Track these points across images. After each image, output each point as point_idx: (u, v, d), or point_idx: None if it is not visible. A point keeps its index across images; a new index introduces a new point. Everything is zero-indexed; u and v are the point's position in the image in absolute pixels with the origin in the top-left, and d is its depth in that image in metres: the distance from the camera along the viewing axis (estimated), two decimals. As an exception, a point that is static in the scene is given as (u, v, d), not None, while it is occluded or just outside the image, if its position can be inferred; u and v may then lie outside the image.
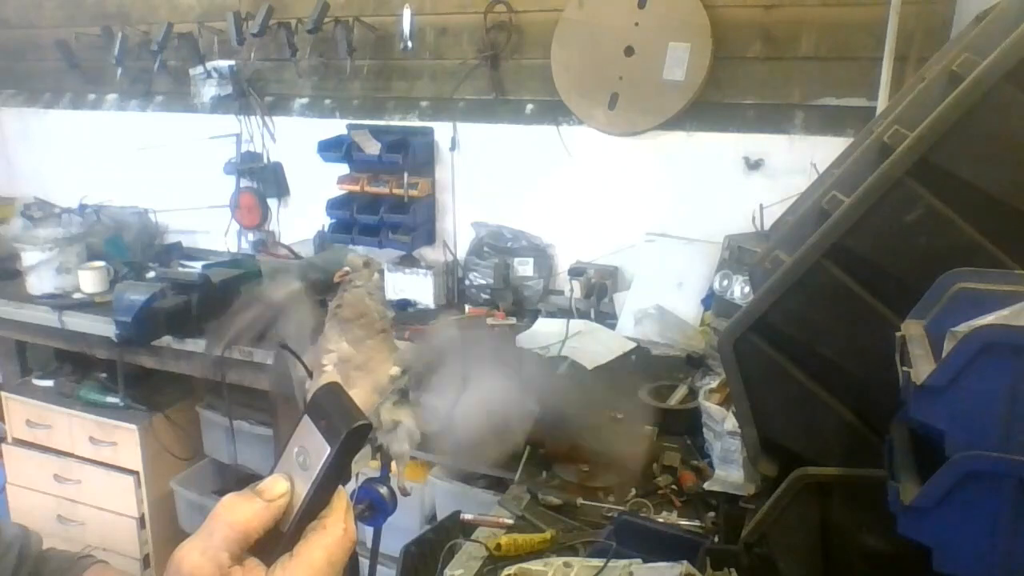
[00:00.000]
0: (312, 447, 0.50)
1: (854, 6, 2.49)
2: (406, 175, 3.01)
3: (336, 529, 0.52)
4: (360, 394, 1.15)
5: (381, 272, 1.23)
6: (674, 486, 1.76)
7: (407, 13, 2.93)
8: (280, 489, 0.51)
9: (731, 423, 1.72)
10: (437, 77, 3.12)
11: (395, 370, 1.17)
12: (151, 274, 2.99)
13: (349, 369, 1.15)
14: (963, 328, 0.77)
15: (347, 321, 1.16)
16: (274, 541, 0.51)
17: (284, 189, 3.45)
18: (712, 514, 1.63)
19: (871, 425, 1.11)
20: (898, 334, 0.89)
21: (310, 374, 1.18)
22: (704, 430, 1.86)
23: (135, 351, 2.75)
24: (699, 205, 2.73)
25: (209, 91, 3.36)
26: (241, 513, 0.50)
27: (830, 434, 1.14)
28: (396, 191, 3.03)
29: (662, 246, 2.77)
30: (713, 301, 2.50)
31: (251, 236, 3.51)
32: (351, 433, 0.49)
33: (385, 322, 1.21)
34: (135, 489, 2.95)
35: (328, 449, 0.49)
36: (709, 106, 2.69)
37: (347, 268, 1.18)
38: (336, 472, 0.50)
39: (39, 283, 3.01)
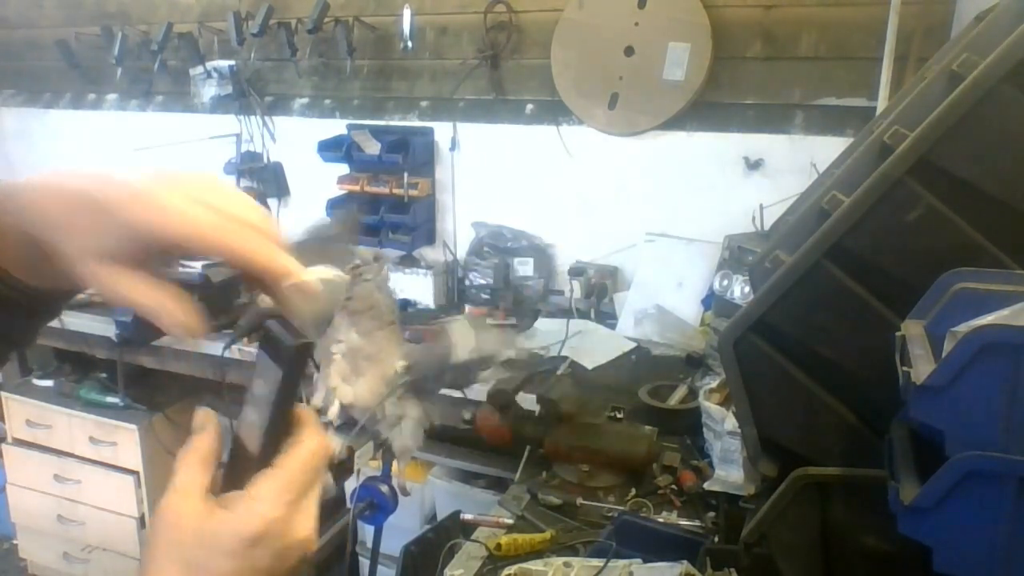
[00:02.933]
0: (267, 376, 0.54)
1: (854, 6, 2.49)
2: (406, 175, 3.01)
3: (311, 442, 0.55)
4: (369, 383, 1.16)
5: (389, 267, 1.25)
6: (674, 486, 1.76)
7: (407, 13, 2.93)
8: (200, 415, 0.57)
9: (731, 423, 1.72)
10: (437, 77, 3.12)
11: (402, 363, 1.18)
12: (151, 274, 2.98)
13: (358, 359, 1.17)
14: (963, 328, 0.77)
15: (357, 313, 1.18)
16: (250, 470, 0.54)
17: (284, 189, 3.45)
18: (712, 514, 1.63)
19: (871, 425, 1.11)
20: (898, 334, 0.89)
21: (317, 367, 1.19)
22: (704, 430, 1.86)
23: (135, 351, 2.76)
24: (699, 205, 2.73)
25: (209, 91, 3.36)
26: (191, 452, 0.55)
27: (830, 434, 1.14)
28: (396, 191, 3.03)
29: (662, 246, 2.77)
30: (713, 301, 2.50)
31: (251, 236, 3.51)
32: (297, 353, 0.52)
33: (393, 315, 1.22)
34: (135, 489, 2.94)
35: (280, 372, 0.52)
36: (709, 106, 2.69)
37: (358, 261, 1.19)
38: (290, 392, 0.54)
39: (39, 283, 3.00)
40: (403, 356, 1.18)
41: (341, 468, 1.22)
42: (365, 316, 1.17)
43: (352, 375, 1.16)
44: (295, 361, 0.52)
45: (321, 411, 1.18)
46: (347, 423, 1.17)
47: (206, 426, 0.56)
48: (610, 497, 1.74)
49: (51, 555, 3.21)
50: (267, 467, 0.53)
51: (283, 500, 0.52)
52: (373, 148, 2.99)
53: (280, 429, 0.55)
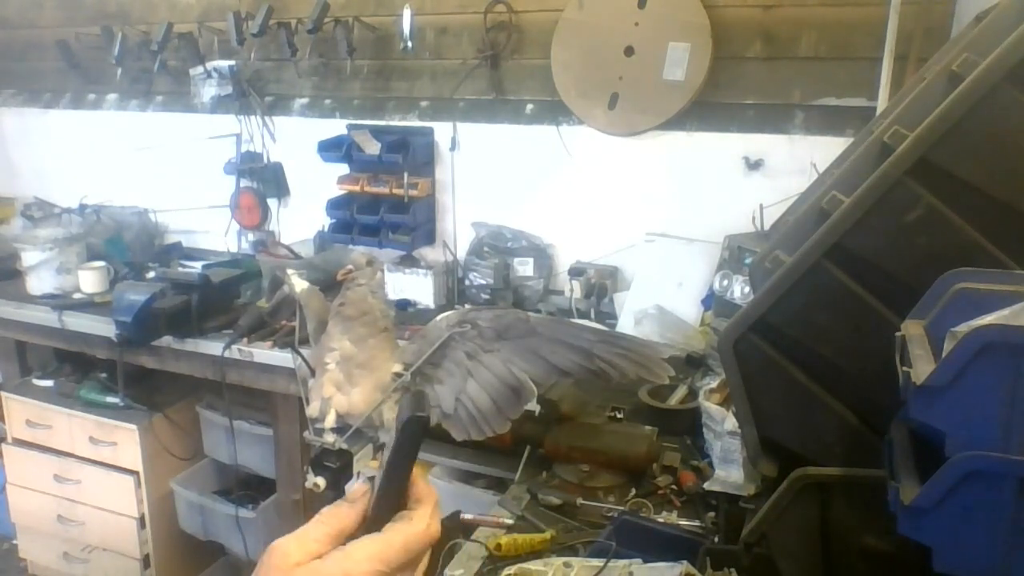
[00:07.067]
0: (389, 444, 0.59)
1: (854, 6, 2.49)
2: (406, 175, 3.01)
3: (420, 523, 0.59)
4: (362, 392, 1.15)
5: (383, 271, 1.23)
6: (674, 486, 1.76)
7: (407, 13, 2.93)
8: (361, 489, 0.60)
9: (731, 423, 1.72)
10: (437, 77, 3.12)
11: (397, 367, 1.17)
12: (151, 274, 2.99)
13: (352, 367, 1.15)
14: (963, 328, 0.77)
15: (350, 319, 1.17)
16: (359, 532, 0.58)
17: (284, 189, 3.45)
18: (712, 514, 1.63)
19: (871, 425, 1.11)
20: (898, 334, 0.89)
21: (312, 372, 1.18)
22: (704, 430, 1.86)
23: (135, 351, 2.75)
24: (699, 205, 2.73)
25: (209, 91, 3.36)
26: (334, 513, 0.59)
27: (830, 434, 1.14)
28: (396, 191, 3.03)
29: (662, 246, 2.77)
30: (713, 301, 2.50)
31: (251, 236, 3.51)
32: (405, 424, 0.56)
33: (388, 320, 1.21)
34: (135, 489, 2.94)
35: (394, 440, 0.57)
36: (709, 106, 2.69)
37: (350, 266, 1.18)
38: (399, 460, 0.58)
39: (39, 283, 3.01)
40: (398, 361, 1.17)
41: (341, 471, 1.21)
42: (358, 322, 1.16)
43: (346, 384, 1.15)
44: (407, 431, 0.56)
45: (316, 420, 1.17)
46: (344, 430, 1.16)
47: (362, 499, 0.60)
48: (610, 497, 1.74)
49: (51, 555, 3.21)
50: (374, 526, 0.57)
51: (374, 567, 0.54)
52: (373, 148, 2.99)
53: (392, 497, 0.58)
